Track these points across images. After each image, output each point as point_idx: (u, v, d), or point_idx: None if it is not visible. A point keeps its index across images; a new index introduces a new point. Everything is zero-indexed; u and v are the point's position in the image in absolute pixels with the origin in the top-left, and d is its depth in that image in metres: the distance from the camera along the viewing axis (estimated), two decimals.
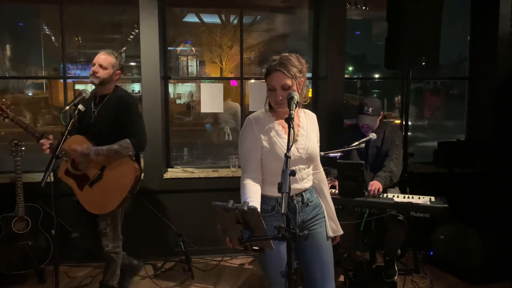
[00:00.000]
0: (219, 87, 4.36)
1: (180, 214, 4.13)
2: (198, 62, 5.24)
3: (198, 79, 5.04)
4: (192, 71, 5.35)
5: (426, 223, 3.25)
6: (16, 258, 3.49)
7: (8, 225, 3.44)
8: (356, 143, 3.16)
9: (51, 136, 2.86)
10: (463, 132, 4.84)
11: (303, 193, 2.10)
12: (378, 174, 3.29)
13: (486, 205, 4.15)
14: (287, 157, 1.66)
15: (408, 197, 3.13)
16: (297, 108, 2.00)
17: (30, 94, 5.14)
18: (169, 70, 4.54)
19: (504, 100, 4.29)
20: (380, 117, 3.42)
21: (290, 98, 1.88)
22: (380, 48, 3.86)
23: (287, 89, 1.95)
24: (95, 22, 4.63)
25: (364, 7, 4.82)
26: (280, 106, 2.01)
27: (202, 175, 4.23)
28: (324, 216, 2.20)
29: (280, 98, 1.96)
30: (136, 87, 5.21)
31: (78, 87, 4.72)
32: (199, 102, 4.45)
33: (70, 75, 4.46)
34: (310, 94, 4.51)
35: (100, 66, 2.94)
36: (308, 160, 2.08)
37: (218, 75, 5.03)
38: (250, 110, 4.35)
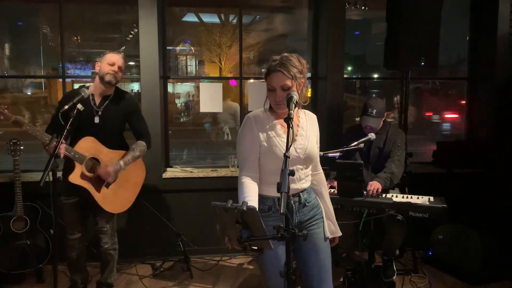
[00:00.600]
0: (218, 86, 4.36)
1: (179, 213, 4.13)
2: (197, 61, 5.24)
3: (197, 78, 5.04)
4: (191, 70, 5.36)
5: (425, 223, 3.26)
6: (15, 258, 3.48)
7: (7, 225, 3.43)
8: (355, 143, 3.16)
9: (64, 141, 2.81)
10: (462, 132, 4.84)
11: (301, 193, 2.10)
12: (378, 175, 3.29)
13: (485, 205, 4.15)
14: (286, 157, 1.66)
15: (407, 197, 3.13)
16: (296, 108, 2.00)
17: (29, 93, 5.14)
18: (168, 70, 4.54)
19: (504, 100, 4.30)
20: (383, 118, 3.42)
21: (290, 98, 1.87)
22: (380, 48, 3.87)
23: (287, 89, 1.94)
24: (94, 21, 4.62)
25: (363, 7, 4.82)
26: (280, 107, 2.00)
27: (201, 174, 4.22)
28: (322, 217, 2.20)
29: (280, 98, 1.96)
30: (135, 87, 5.20)
31: (77, 86, 4.71)
32: (198, 101, 4.45)
33: (69, 75, 4.46)
34: (309, 94, 4.51)
35: (119, 68, 2.97)
36: (306, 160, 2.08)
37: (217, 74, 5.04)
38: (249, 109, 4.34)
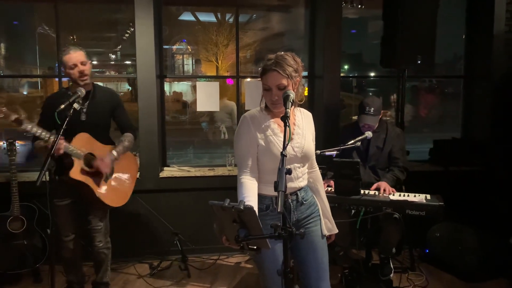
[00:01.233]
0: (215, 85, 4.36)
1: (176, 213, 4.13)
2: (194, 60, 5.24)
3: (194, 77, 5.04)
4: (188, 69, 5.35)
5: (422, 221, 3.27)
6: (12, 258, 3.47)
7: (3, 225, 3.42)
8: (352, 141, 3.17)
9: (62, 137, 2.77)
10: (459, 130, 4.85)
11: (298, 191, 2.10)
12: (386, 175, 3.33)
13: (482, 203, 4.17)
14: (283, 155, 1.66)
15: (404, 195, 3.14)
16: (293, 106, 2.00)
17: (25, 93, 5.12)
18: (165, 69, 4.53)
19: (500, 98, 4.31)
20: (380, 116, 3.43)
21: (286, 97, 1.87)
22: (376, 46, 3.87)
23: (283, 89, 1.93)
24: (91, 20, 4.60)
25: (360, 6, 4.83)
26: (276, 106, 2.00)
27: (198, 174, 4.22)
28: (319, 215, 2.21)
29: (276, 98, 1.95)
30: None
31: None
32: (195, 100, 4.44)
33: None
34: (306, 93, 4.52)
35: (81, 63, 2.89)
36: (303, 158, 2.08)
37: (214, 73, 5.03)
38: (246, 108, 4.34)
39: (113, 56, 5.12)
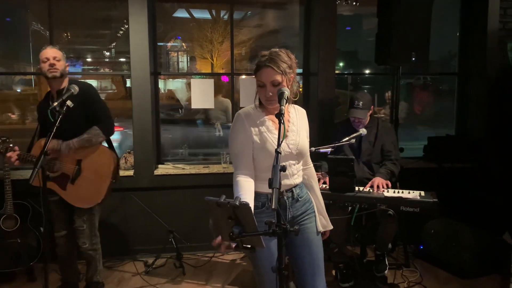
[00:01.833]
0: (210, 83, 4.34)
1: (171, 210, 4.12)
2: (189, 58, 5.21)
3: (188, 74, 5.02)
4: (182, 66, 5.33)
5: (416, 217, 3.28)
6: (5, 256, 3.46)
7: None
8: (346, 138, 3.18)
9: (16, 148, 2.91)
10: (453, 127, 4.87)
11: (293, 188, 2.10)
12: (380, 170, 3.35)
13: (476, 199, 4.19)
14: (277, 152, 1.65)
15: (398, 192, 3.15)
16: (287, 104, 1.99)
17: (18, 90, 5.08)
18: (160, 66, 4.52)
19: (494, 95, 4.33)
20: (370, 112, 3.45)
21: (281, 94, 1.87)
22: (371, 43, 3.88)
23: (277, 85, 1.93)
24: (84, 17, 4.57)
25: (354, 3, 4.83)
26: (270, 103, 1.99)
27: (193, 171, 4.21)
28: (314, 211, 2.21)
29: (270, 94, 1.95)
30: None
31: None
32: (189, 98, 4.43)
33: None
34: (300, 90, 4.52)
35: (54, 58, 2.89)
36: (298, 155, 2.08)
37: (209, 70, 5.01)
38: (241, 105, 4.34)
39: (107, 53, 5.09)
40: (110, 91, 5.33)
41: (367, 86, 5.94)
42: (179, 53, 5.36)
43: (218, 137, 4.96)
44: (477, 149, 4.39)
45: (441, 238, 3.82)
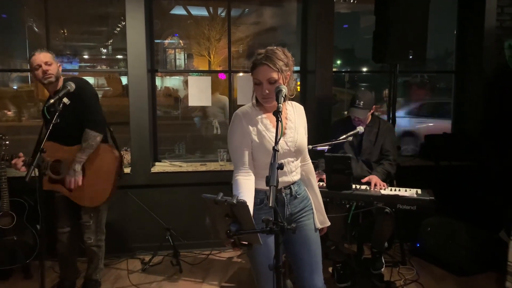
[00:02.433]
0: (207, 80, 4.34)
1: (168, 208, 4.11)
2: (186, 55, 5.20)
3: (186, 72, 5.01)
4: (180, 64, 5.32)
5: (413, 215, 3.29)
6: (2, 254, 3.44)
7: None
8: (343, 136, 3.17)
9: (21, 154, 2.89)
10: (450, 125, 4.88)
11: (292, 185, 2.11)
12: (376, 169, 3.34)
13: (472, 198, 4.20)
14: (275, 150, 1.65)
15: (395, 190, 3.15)
16: (284, 101, 1.99)
17: (15, 87, 5.07)
18: (157, 63, 4.50)
19: (490, 93, 4.34)
20: (371, 111, 3.43)
21: (278, 92, 1.87)
22: (368, 41, 3.88)
23: (273, 83, 1.93)
24: (81, 14, 4.55)
25: (352, 1, 4.82)
26: (267, 101, 1.99)
27: (190, 169, 4.21)
28: (312, 208, 2.21)
29: (267, 92, 1.94)
30: (123, 80, 5.14)
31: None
32: (186, 95, 4.42)
33: None
34: (298, 89, 4.52)
35: (46, 63, 2.86)
36: (296, 153, 2.08)
37: (206, 68, 5.00)
38: (238, 103, 4.33)
39: (104, 50, 5.07)
40: (107, 89, 5.31)
41: (364, 84, 5.95)
42: (176, 50, 5.35)
43: (216, 135, 4.96)
44: (474, 147, 4.40)
45: (438, 236, 3.83)
